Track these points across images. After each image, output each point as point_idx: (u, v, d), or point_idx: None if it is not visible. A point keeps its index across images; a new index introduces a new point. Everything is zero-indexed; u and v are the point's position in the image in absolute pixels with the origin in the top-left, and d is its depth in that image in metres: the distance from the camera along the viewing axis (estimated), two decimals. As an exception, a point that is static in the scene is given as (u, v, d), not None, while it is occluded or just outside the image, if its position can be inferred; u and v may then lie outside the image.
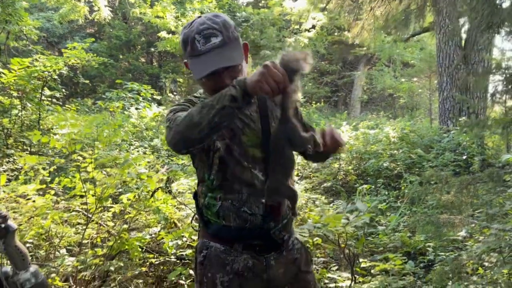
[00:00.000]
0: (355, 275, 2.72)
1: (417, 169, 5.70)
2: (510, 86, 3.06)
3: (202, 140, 1.22)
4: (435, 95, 10.06)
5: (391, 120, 10.53)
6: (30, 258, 1.19)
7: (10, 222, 1.16)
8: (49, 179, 2.92)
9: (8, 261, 1.22)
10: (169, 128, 1.26)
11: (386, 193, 5.21)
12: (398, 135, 6.69)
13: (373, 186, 5.26)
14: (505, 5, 2.65)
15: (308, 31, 13.37)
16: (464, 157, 5.70)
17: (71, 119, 3.05)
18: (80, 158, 2.59)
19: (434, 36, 7.83)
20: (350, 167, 6.07)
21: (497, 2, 2.46)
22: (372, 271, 2.98)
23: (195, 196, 1.50)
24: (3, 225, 1.14)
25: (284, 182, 1.29)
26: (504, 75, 3.01)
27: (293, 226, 1.52)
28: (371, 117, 11.50)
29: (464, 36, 7.44)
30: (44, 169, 3.14)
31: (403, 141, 6.47)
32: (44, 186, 2.73)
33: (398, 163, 5.83)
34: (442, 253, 3.36)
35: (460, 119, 6.74)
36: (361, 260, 3.01)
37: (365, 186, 4.71)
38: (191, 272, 2.78)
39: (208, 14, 1.35)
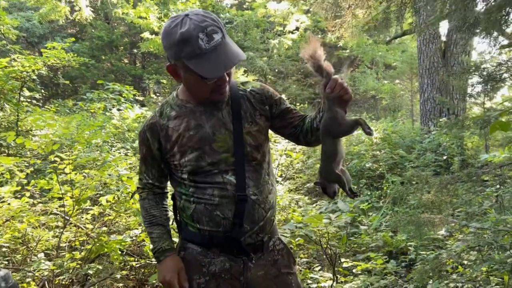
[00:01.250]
0: (337, 275, 2.73)
1: (399, 170, 5.78)
2: (487, 87, 3.13)
3: None
4: (417, 96, 10.22)
5: (373, 121, 10.64)
6: (0, 262, 1.15)
7: (-21, 224, 1.12)
8: (25, 181, 2.84)
9: None
10: (138, 187, 1.55)
11: (369, 193, 5.26)
12: (380, 136, 6.76)
13: (355, 187, 5.30)
14: (479, 8, 2.71)
15: (292, 33, 13.43)
16: (445, 157, 5.80)
17: (49, 119, 2.97)
18: (58, 159, 2.52)
19: (415, 39, 7.95)
20: (333, 168, 6.10)
21: (471, 5, 2.50)
22: (354, 270, 2.99)
23: (173, 198, 1.49)
24: (-30, 228, 1.09)
25: (328, 168, 1.35)
26: (481, 77, 3.07)
27: (275, 227, 1.50)
28: (354, 119, 11.60)
29: (444, 38, 7.59)
30: (21, 171, 3.06)
31: (386, 142, 6.54)
32: (19, 188, 2.65)
33: (381, 163, 5.89)
34: (423, 252, 3.40)
35: (440, 120, 6.85)
36: (343, 260, 3.02)
37: (347, 186, 4.73)
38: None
39: (197, 11, 1.27)
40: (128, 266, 2.88)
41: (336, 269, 2.63)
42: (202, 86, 1.30)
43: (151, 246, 1.44)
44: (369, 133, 1.29)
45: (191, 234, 1.41)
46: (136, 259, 2.90)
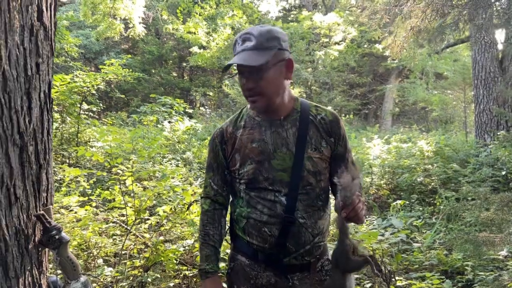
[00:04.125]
0: (391, 293, 2.66)
1: (452, 185, 5.53)
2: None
3: None
4: (470, 107, 9.77)
5: (424, 133, 10.28)
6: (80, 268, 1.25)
7: (63, 234, 1.22)
8: (89, 191, 3.04)
9: (59, 271, 1.28)
10: (201, 197, 1.59)
11: (421, 209, 5.07)
12: (432, 149, 6.52)
13: (407, 202, 5.14)
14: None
15: (338, 44, 13.35)
16: (504, 172, 5.48)
17: (113, 134, 3.17)
18: (120, 171, 2.68)
19: (468, 48, 7.65)
20: (382, 182, 5.96)
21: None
22: (408, 289, 2.89)
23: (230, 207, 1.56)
24: (57, 237, 1.20)
25: None
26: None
27: (325, 249, 1.49)
28: (403, 131, 11.26)
29: (501, 47, 7.24)
30: (83, 181, 3.27)
31: (438, 155, 6.29)
32: (86, 198, 2.84)
33: (433, 178, 5.67)
34: (482, 273, 3.23)
35: (498, 133, 6.51)
36: (396, 278, 2.94)
37: (399, 201, 4.60)
38: (224, 285, 2.81)
39: (258, 26, 1.41)
40: (182, 275, 2.97)
41: (389, 286, 2.56)
42: (241, 87, 1.42)
43: (199, 262, 1.54)
44: (377, 274, 1.29)
45: (241, 244, 1.48)
46: (188, 268, 2.99)
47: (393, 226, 3.16)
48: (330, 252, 1.50)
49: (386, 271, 2.56)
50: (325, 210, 1.44)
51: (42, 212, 1.19)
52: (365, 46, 14.96)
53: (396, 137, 8.53)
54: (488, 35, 6.88)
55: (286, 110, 1.44)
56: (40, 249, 1.22)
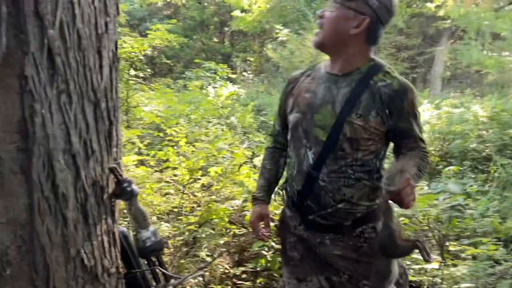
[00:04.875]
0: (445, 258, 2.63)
1: (509, 152, 5.26)
2: None
3: None
4: (531, 70, 9.06)
5: (477, 98, 9.71)
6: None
7: (134, 186, 1.30)
8: (145, 151, 3.17)
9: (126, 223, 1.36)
10: (268, 134, 1.73)
11: (473, 176, 4.89)
12: (487, 115, 6.18)
13: (460, 168, 4.96)
14: None
15: (386, 4, 12.64)
16: None
17: (169, 96, 3.25)
18: (174, 132, 2.77)
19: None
20: (431, 148, 5.76)
21: None
22: (462, 255, 2.85)
23: None
24: (129, 189, 1.28)
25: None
26: None
27: (370, 216, 1.42)
28: (454, 95, 10.69)
29: None
30: (141, 142, 3.41)
31: (494, 121, 5.96)
32: (143, 157, 2.97)
33: (487, 144, 5.41)
34: (539, 242, 3.11)
35: None
36: (449, 243, 2.90)
37: (452, 167, 4.46)
38: (273, 244, 2.89)
39: None
40: (231, 233, 3.08)
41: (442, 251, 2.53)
42: None
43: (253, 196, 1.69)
44: (427, 260, 1.23)
45: (288, 195, 1.56)
46: (238, 227, 3.09)
47: (445, 192, 3.09)
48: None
49: (440, 236, 2.53)
50: (360, 180, 1.37)
51: (114, 165, 1.27)
52: (415, 6, 14.08)
53: (447, 102, 8.13)
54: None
55: (349, 67, 1.40)
56: (112, 200, 1.30)
